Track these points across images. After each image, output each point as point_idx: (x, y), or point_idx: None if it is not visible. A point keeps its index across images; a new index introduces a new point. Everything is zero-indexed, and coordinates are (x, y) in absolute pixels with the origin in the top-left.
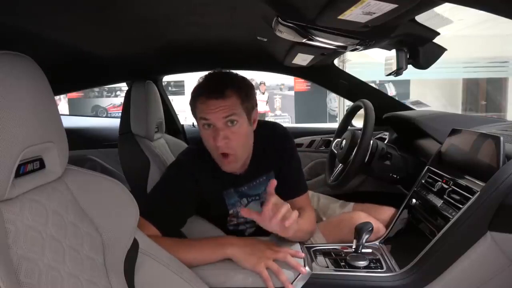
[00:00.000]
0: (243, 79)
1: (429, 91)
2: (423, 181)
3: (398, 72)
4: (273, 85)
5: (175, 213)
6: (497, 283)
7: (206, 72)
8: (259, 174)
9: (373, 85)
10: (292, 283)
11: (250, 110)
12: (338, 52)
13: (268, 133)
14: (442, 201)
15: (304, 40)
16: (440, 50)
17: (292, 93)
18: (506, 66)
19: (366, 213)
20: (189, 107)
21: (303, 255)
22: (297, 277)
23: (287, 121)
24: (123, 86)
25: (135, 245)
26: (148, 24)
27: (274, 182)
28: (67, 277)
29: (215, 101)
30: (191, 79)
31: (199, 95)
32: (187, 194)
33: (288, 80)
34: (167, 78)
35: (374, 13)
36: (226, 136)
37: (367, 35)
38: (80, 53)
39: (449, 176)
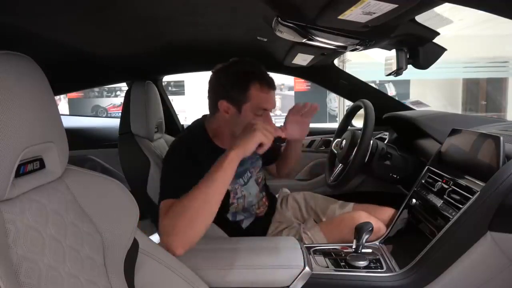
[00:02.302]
0: None
1: (429, 91)
2: (423, 181)
3: (398, 72)
4: None
5: (192, 185)
6: (497, 283)
7: (206, 72)
8: None
9: (373, 85)
10: (292, 283)
11: None
12: (338, 52)
13: None
14: (442, 201)
15: (304, 40)
16: (440, 50)
17: (292, 93)
18: (506, 66)
19: (366, 213)
20: (189, 107)
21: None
22: (297, 277)
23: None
24: (123, 86)
25: (135, 245)
26: (148, 24)
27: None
28: (67, 277)
29: (274, 93)
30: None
31: (260, 83)
32: (196, 167)
33: (288, 80)
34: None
35: (374, 13)
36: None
37: (367, 35)
38: (80, 53)
39: (449, 176)
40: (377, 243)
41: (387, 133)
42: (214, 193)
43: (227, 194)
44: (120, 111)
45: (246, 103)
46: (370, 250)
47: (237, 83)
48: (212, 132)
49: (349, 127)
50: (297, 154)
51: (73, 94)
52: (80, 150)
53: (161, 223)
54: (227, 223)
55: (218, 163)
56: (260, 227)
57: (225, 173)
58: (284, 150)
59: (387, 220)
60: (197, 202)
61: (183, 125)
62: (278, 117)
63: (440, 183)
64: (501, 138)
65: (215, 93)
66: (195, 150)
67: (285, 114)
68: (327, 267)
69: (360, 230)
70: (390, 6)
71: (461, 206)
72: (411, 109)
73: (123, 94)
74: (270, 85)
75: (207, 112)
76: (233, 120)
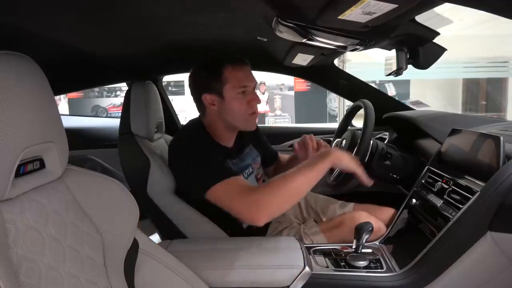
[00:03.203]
0: None
1: (429, 91)
2: (423, 181)
3: (398, 72)
4: (273, 85)
5: (223, 162)
6: (497, 283)
7: None
8: (244, 147)
9: (373, 85)
10: (292, 283)
11: None
12: (338, 52)
13: None
14: (442, 201)
15: (304, 40)
16: (440, 50)
17: (292, 93)
18: (506, 66)
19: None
20: (189, 107)
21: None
22: (297, 277)
23: (287, 121)
24: (123, 86)
25: (135, 245)
26: (148, 24)
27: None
28: (67, 277)
29: (249, 68)
30: None
31: (232, 64)
32: (213, 148)
33: (288, 80)
34: (167, 78)
35: (374, 13)
36: (257, 96)
37: (367, 35)
38: (80, 53)
39: (449, 176)
40: (377, 243)
41: (387, 133)
42: (307, 183)
43: None
44: (120, 111)
45: (225, 86)
46: (370, 250)
47: (211, 71)
48: (210, 129)
49: (349, 127)
50: None
51: (73, 94)
52: (80, 150)
53: (247, 198)
54: (227, 222)
55: (312, 165)
56: (261, 226)
57: (317, 174)
58: (289, 161)
59: (387, 220)
60: (294, 183)
61: (183, 125)
62: (278, 117)
63: (440, 183)
64: (501, 138)
65: (196, 90)
66: (203, 142)
67: (285, 114)
68: (327, 267)
69: (360, 230)
70: (390, 6)
71: (461, 206)
72: (411, 109)
73: (123, 94)
74: (242, 61)
75: None
76: (221, 109)
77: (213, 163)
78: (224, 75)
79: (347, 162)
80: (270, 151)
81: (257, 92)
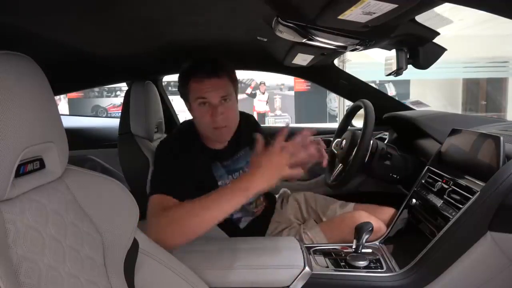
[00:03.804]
0: (229, 63)
1: (429, 91)
2: (423, 181)
3: (398, 72)
4: (273, 85)
5: (184, 180)
6: (497, 283)
7: None
8: (238, 149)
9: (373, 85)
10: (292, 283)
11: (236, 89)
12: (338, 52)
13: (241, 116)
14: (442, 201)
15: (304, 40)
16: (440, 50)
17: (292, 93)
18: (506, 66)
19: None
20: None
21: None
22: (297, 277)
23: (287, 121)
24: (123, 86)
25: (135, 245)
26: (148, 24)
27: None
28: (67, 277)
29: (212, 80)
30: None
31: (194, 75)
32: (187, 161)
33: (288, 80)
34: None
35: (374, 13)
36: (221, 111)
37: (367, 35)
38: (80, 53)
39: (449, 176)
40: (377, 243)
41: (387, 133)
42: (220, 211)
43: (216, 186)
44: (120, 111)
45: (189, 95)
46: (370, 250)
47: (181, 79)
48: (199, 132)
49: (349, 127)
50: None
51: (73, 94)
52: (80, 150)
53: (157, 221)
54: (225, 222)
55: (237, 186)
56: (259, 227)
57: (238, 200)
58: None
59: (387, 220)
60: (201, 212)
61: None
62: (278, 117)
63: (440, 183)
64: (501, 138)
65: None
66: (186, 145)
67: (285, 114)
68: (327, 267)
69: (360, 230)
70: (390, 6)
71: (461, 206)
72: (411, 109)
73: (123, 94)
74: (207, 74)
75: None
76: (193, 117)
77: (166, 173)
78: (189, 84)
79: (283, 171)
80: None
81: (257, 92)
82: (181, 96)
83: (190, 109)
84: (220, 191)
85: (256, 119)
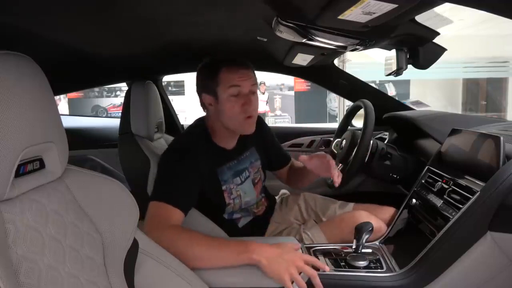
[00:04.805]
0: None
1: (429, 91)
2: (423, 181)
3: (398, 72)
4: (273, 85)
5: (189, 190)
6: (497, 283)
7: None
8: (245, 149)
9: (373, 85)
10: (291, 283)
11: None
12: (338, 52)
13: None
14: (442, 201)
15: (304, 40)
16: (440, 50)
17: (292, 93)
18: (506, 66)
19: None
20: (189, 107)
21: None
22: None
23: (287, 121)
24: (123, 86)
25: (135, 245)
26: (148, 24)
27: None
28: (67, 277)
29: (245, 70)
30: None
31: (227, 65)
32: (193, 170)
33: (288, 80)
34: (167, 78)
35: (374, 13)
36: (252, 100)
37: (367, 35)
38: (80, 53)
39: (449, 176)
40: (377, 243)
41: (387, 133)
42: (211, 259)
43: (222, 194)
44: (120, 111)
45: (218, 86)
46: (370, 250)
47: (208, 71)
48: (211, 130)
49: (349, 127)
50: (310, 181)
51: (73, 94)
52: (80, 150)
53: (158, 236)
54: (223, 222)
55: (237, 244)
56: (258, 227)
57: (234, 257)
58: (303, 169)
59: (387, 220)
60: (193, 250)
61: (183, 125)
62: (278, 117)
63: (440, 183)
64: (501, 138)
65: (198, 89)
66: (194, 150)
67: (285, 114)
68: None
69: (360, 230)
70: (390, 6)
71: (461, 206)
72: (411, 109)
73: (123, 94)
74: (238, 64)
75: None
76: (217, 110)
77: (170, 182)
78: (219, 75)
79: (291, 270)
80: (279, 154)
81: (258, 92)
82: (203, 90)
83: (215, 102)
84: (230, 245)
85: None
